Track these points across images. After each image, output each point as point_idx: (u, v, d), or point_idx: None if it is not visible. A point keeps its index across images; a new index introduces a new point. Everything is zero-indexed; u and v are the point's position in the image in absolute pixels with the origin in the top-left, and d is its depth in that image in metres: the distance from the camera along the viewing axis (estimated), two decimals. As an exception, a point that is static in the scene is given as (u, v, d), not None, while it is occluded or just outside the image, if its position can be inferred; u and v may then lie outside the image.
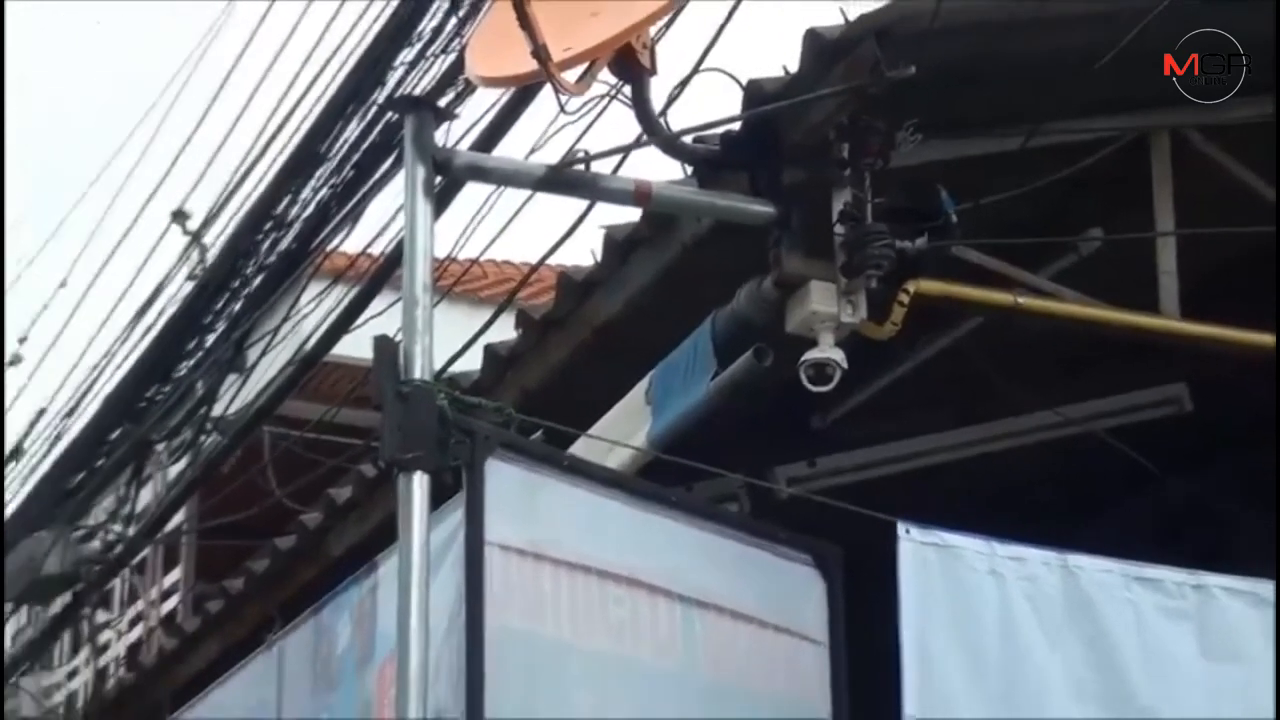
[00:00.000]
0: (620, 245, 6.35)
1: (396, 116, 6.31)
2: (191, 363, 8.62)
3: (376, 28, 6.86)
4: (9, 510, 10.45)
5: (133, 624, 12.50)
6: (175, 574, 12.04)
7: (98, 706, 11.26)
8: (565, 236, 6.66)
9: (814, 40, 5.60)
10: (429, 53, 6.60)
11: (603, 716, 5.53)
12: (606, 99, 5.66)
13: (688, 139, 5.75)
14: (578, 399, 6.29)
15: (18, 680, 11.51)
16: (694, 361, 5.95)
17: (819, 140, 5.67)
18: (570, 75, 5.42)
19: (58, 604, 10.74)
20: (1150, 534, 6.85)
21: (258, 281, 8.03)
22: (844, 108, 5.58)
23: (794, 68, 5.68)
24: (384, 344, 5.40)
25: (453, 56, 6.48)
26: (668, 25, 5.65)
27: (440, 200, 5.78)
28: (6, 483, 10.63)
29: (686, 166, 5.89)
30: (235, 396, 8.60)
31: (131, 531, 9.85)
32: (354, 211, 7.29)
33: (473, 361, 7.10)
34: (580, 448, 6.03)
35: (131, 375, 9.06)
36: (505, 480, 5.42)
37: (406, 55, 6.70)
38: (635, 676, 5.63)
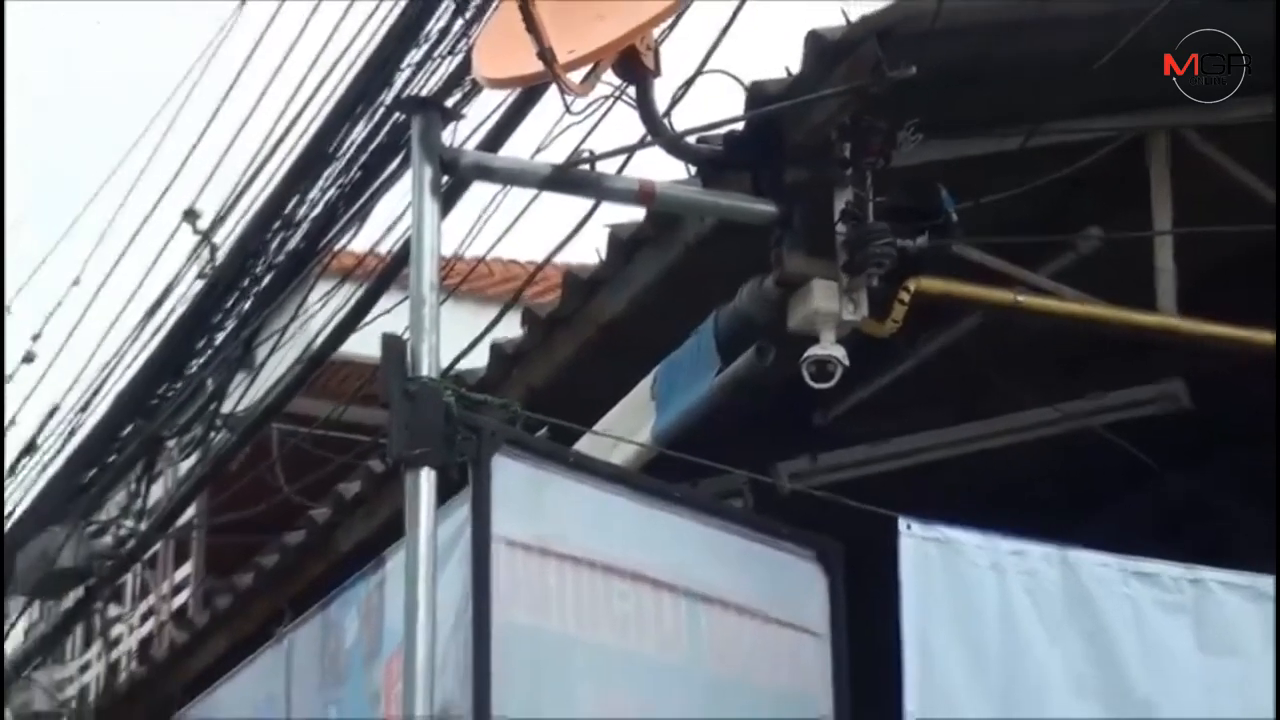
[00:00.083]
0: (625, 244, 6.34)
1: (404, 117, 6.32)
2: (201, 360, 8.62)
3: (384, 29, 6.85)
4: (23, 505, 10.44)
5: (144, 618, 12.51)
6: (186, 569, 12.04)
7: (109, 700, 11.26)
8: (570, 236, 6.67)
9: (816, 41, 5.59)
10: (436, 54, 6.60)
11: (608, 710, 5.52)
12: (611, 100, 5.65)
13: (691, 139, 5.75)
14: (583, 396, 6.28)
15: (31, 674, 11.51)
16: (697, 359, 5.95)
17: (821, 140, 5.67)
18: (575, 76, 5.42)
19: (70, 598, 10.74)
20: (1149, 530, 6.82)
21: (267, 280, 8.03)
22: (846, 108, 5.57)
23: (796, 69, 5.67)
24: (391, 342, 5.39)
25: (459, 58, 6.48)
26: (671, 27, 5.65)
27: (447, 199, 5.79)
28: (20, 477, 10.63)
29: (690, 166, 5.89)
30: (244, 394, 8.60)
31: (143, 527, 9.85)
32: (362, 211, 7.29)
33: (479, 359, 7.10)
34: (585, 444, 6.02)
35: (143, 373, 9.06)
36: (511, 476, 5.42)
37: (414, 56, 6.70)
38: (640, 670, 5.63)
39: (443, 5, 6.53)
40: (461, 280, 7.82)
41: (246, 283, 8.17)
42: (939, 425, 6.98)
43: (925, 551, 5.55)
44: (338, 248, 7.83)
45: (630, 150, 5.78)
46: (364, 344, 6.61)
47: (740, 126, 5.71)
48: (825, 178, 5.68)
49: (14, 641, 11.80)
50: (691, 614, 5.74)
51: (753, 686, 5.84)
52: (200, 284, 8.59)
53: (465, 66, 6.33)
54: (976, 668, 5.56)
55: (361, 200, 7.23)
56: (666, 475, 5.93)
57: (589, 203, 6.21)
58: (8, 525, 10.53)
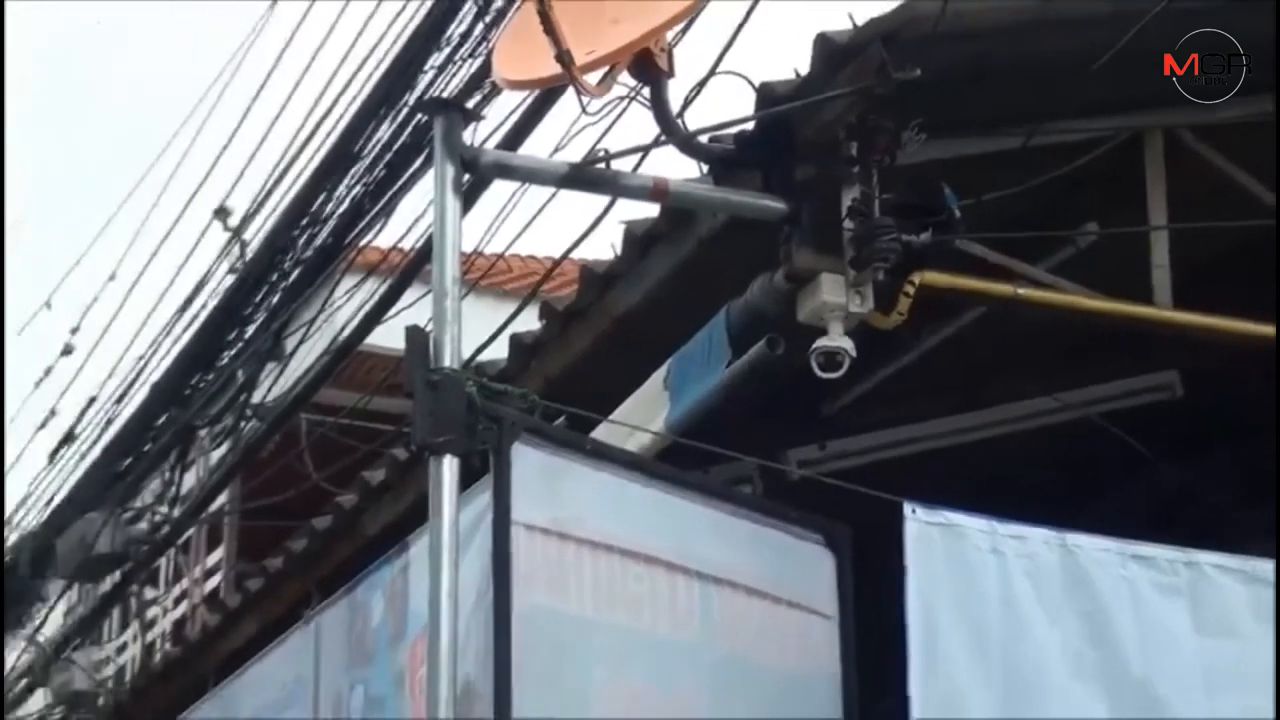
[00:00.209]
0: (639, 240, 6.33)
1: (426, 117, 6.30)
2: (232, 352, 8.62)
3: (408, 33, 6.83)
4: (63, 493, 10.45)
5: (178, 601, 12.51)
6: (218, 553, 12.04)
7: (145, 679, 11.26)
8: (587, 232, 6.64)
9: (824, 44, 5.58)
10: (457, 57, 6.58)
11: (623, 686, 5.51)
12: (626, 100, 5.64)
13: (704, 138, 5.74)
14: (599, 386, 6.27)
15: (70, 654, 11.51)
16: (710, 350, 5.94)
17: (829, 139, 5.65)
18: (592, 78, 5.40)
19: (108, 582, 10.75)
20: (1144, 516, 6.80)
21: (295, 275, 8.03)
22: (853, 108, 5.56)
23: (805, 70, 5.66)
24: (415, 334, 5.38)
25: (480, 60, 6.46)
26: (684, 30, 5.63)
27: (468, 197, 5.77)
28: (60, 465, 10.62)
29: (702, 165, 5.86)
30: (274, 384, 8.59)
31: (177, 513, 9.85)
32: (386, 208, 7.28)
33: (499, 351, 7.09)
34: (601, 432, 6.01)
35: (176, 364, 9.06)
36: (530, 463, 5.41)
37: (436, 59, 6.68)
38: (654, 649, 5.62)
39: (464, 9, 6.51)
40: (482, 275, 7.80)
41: (275, 278, 8.16)
42: (942, 414, 6.97)
43: (929, 535, 5.54)
44: (363, 244, 7.82)
45: (645, 149, 5.77)
46: (388, 336, 6.59)
47: (751, 126, 5.70)
48: (833, 175, 5.65)
49: (54, 624, 11.79)
50: (704, 595, 5.73)
51: (763, 665, 5.83)
52: (231, 279, 8.58)
53: (485, 69, 6.32)
54: (978, 647, 5.54)
55: (386, 198, 7.22)
56: (680, 462, 5.91)
57: (605, 200, 6.20)
58: (48, 513, 10.55)
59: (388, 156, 7.08)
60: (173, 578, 12.62)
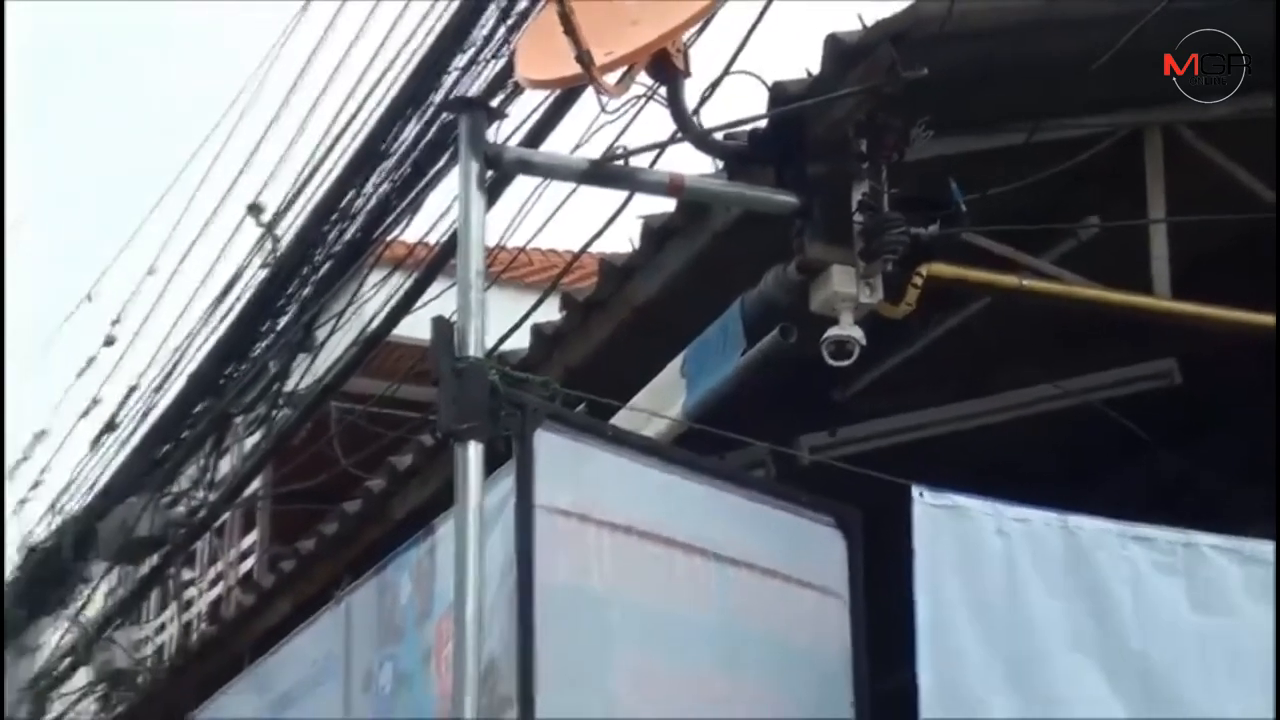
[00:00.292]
0: (656, 233, 6.32)
1: (452, 116, 6.30)
2: (265, 343, 8.63)
3: (433, 36, 6.83)
4: (105, 478, 10.46)
5: (214, 582, 12.53)
6: (252, 536, 12.05)
7: (183, 658, 11.28)
8: (606, 225, 6.64)
9: (834, 44, 5.57)
10: (481, 58, 6.58)
11: (642, 663, 5.51)
12: (644, 99, 5.63)
13: (719, 135, 5.73)
14: (618, 374, 6.27)
15: (111, 634, 11.54)
16: (725, 339, 5.93)
17: (839, 136, 5.63)
18: (611, 78, 5.39)
19: (147, 564, 10.77)
20: (1144, 501, 6.80)
21: (325, 269, 8.03)
22: (862, 106, 5.55)
23: (816, 70, 5.65)
24: (441, 325, 5.38)
25: (503, 61, 6.46)
26: (699, 31, 5.62)
27: (491, 193, 5.76)
28: (102, 451, 10.64)
29: (717, 161, 5.86)
30: (305, 374, 8.60)
31: (213, 498, 9.86)
32: (413, 204, 7.28)
33: (521, 341, 7.09)
34: (620, 419, 6.01)
35: (212, 355, 9.07)
36: (552, 449, 5.40)
37: (460, 60, 6.68)
38: (672, 628, 5.62)
39: (488, 12, 6.51)
40: (504, 268, 7.79)
41: (306, 271, 8.17)
42: (949, 401, 6.96)
43: (936, 518, 5.54)
44: (391, 238, 7.82)
45: (661, 146, 5.75)
46: (415, 327, 6.60)
47: (764, 124, 5.69)
48: (843, 171, 5.64)
49: (96, 605, 11.81)
50: (720, 576, 5.73)
51: (777, 643, 5.82)
52: (264, 273, 8.59)
53: (508, 69, 6.32)
54: (984, 624, 5.54)
55: (413, 194, 7.22)
56: (696, 447, 5.91)
57: (623, 195, 6.20)
58: (90, 498, 10.57)
59: (414, 154, 7.09)
60: (209, 560, 12.64)
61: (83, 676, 11.84)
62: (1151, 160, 6.23)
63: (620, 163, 5.66)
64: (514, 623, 5.27)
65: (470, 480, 5.25)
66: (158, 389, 9.86)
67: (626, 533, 5.55)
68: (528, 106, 6.27)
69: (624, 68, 5.42)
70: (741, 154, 5.76)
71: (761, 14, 5.64)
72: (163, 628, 12.99)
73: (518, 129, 6.21)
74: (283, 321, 8.42)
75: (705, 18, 5.52)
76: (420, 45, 6.96)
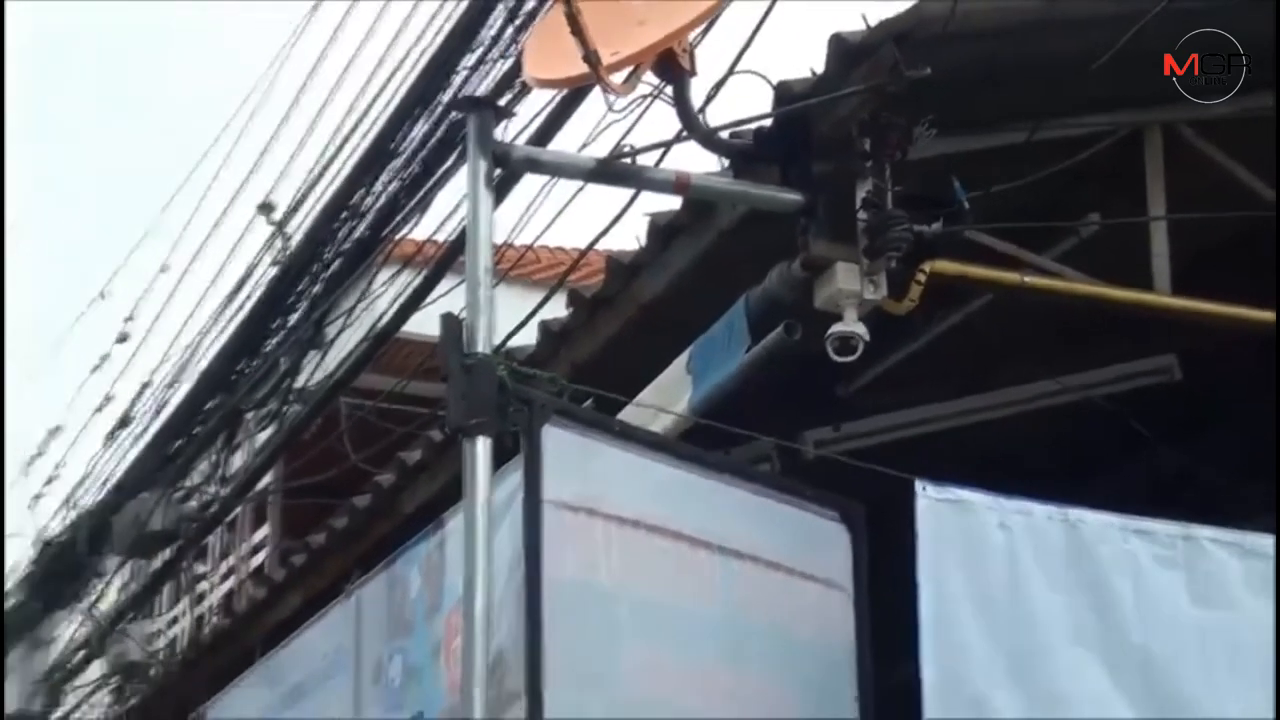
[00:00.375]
0: (662, 231, 6.31)
1: (460, 115, 6.28)
2: (276, 340, 8.61)
3: (442, 36, 6.81)
4: (118, 473, 10.45)
5: (226, 576, 12.52)
6: (264, 531, 12.04)
7: (196, 650, 11.27)
8: (612, 223, 6.63)
9: (838, 44, 5.55)
10: (489, 58, 6.56)
11: (648, 656, 5.49)
12: (650, 98, 5.60)
13: (724, 134, 5.70)
14: (624, 370, 6.25)
15: (125, 627, 11.53)
16: (730, 336, 5.91)
17: (843, 135, 5.61)
18: (617, 77, 5.37)
19: (160, 558, 10.76)
20: (1145, 495, 6.78)
21: (335, 267, 8.02)
22: (866, 105, 5.53)
23: (820, 69, 5.63)
24: (450, 321, 5.36)
25: (510, 61, 6.44)
26: (705, 31, 5.60)
27: (499, 191, 5.74)
28: (117, 447, 10.63)
29: (723, 159, 5.84)
30: (315, 370, 8.58)
31: (225, 492, 9.85)
32: (422, 202, 7.27)
33: (529, 337, 7.07)
34: (627, 414, 5.99)
35: (224, 352, 9.06)
36: (560, 444, 5.38)
37: (469, 60, 6.66)
38: (678, 621, 5.60)
39: (495, 13, 6.49)
40: (512, 266, 7.78)
41: (316, 269, 8.15)
42: (952, 397, 6.94)
43: (939, 511, 5.51)
44: (400, 236, 7.81)
45: (668, 144, 5.74)
46: (424, 324, 6.57)
47: (769, 123, 5.67)
48: (847, 169, 5.62)
49: (109, 598, 11.80)
50: (725, 569, 5.71)
51: (781, 635, 5.80)
52: (274, 270, 8.57)
53: (516, 69, 6.30)
54: (986, 617, 5.52)
55: (422, 192, 7.21)
56: (701, 443, 5.89)
57: (629, 193, 6.17)
58: (104, 493, 10.55)
59: (423, 153, 7.08)
60: (221, 554, 12.63)
61: (97, 669, 11.83)
62: (1152, 159, 6.21)
63: (627, 161, 5.64)
64: (522, 616, 5.25)
65: (479, 475, 5.22)
66: (170, 385, 9.86)
67: (633, 527, 5.53)
68: (535, 106, 6.26)
69: (630, 67, 5.40)
70: (747, 152, 5.74)
71: (766, 14, 5.63)
72: (175, 621, 12.98)
73: (525, 128, 6.21)
74: (293, 318, 8.41)
75: (710, 18, 5.50)
76: (429, 45, 6.94)
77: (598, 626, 5.42)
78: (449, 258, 7.14)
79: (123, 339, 11.35)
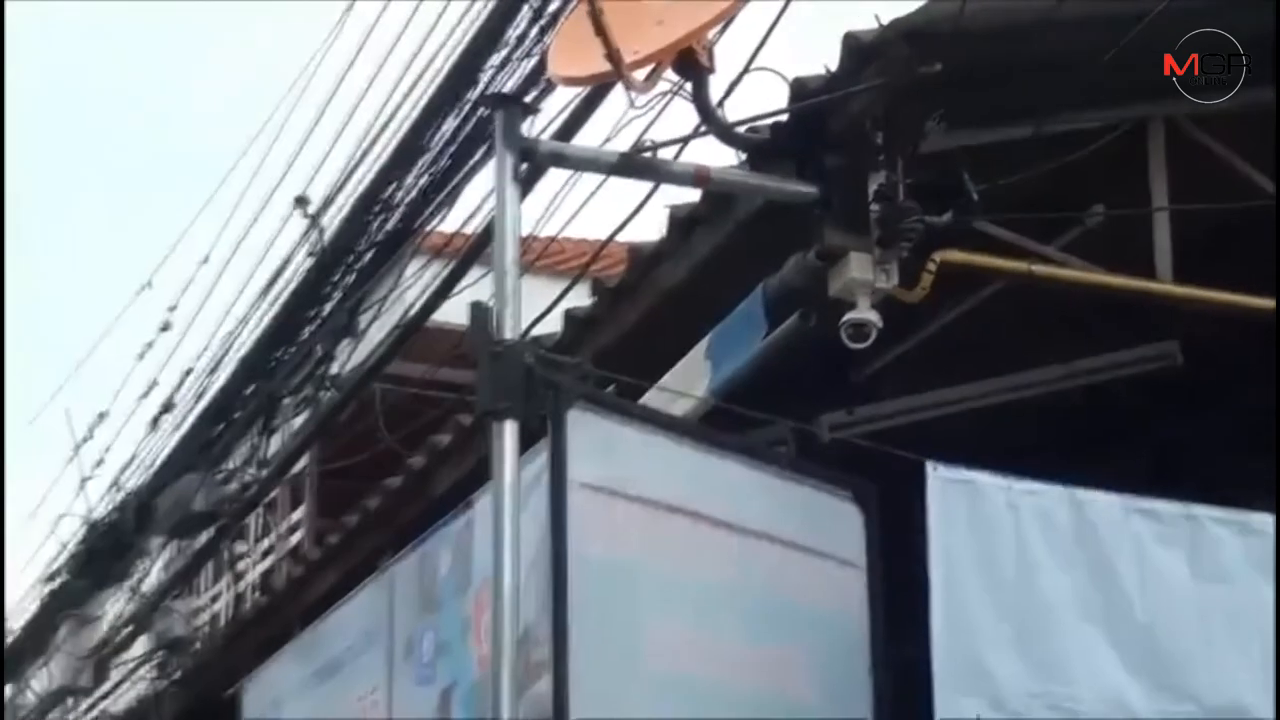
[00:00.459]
0: (683, 222, 6.31)
1: (488, 112, 6.27)
2: (312, 329, 8.62)
3: (470, 35, 6.80)
4: (162, 456, 10.46)
5: (265, 555, 12.55)
6: (300, 511, 12.07)
7: (236, 626, 11.31)
8: (634, 215, 6.61)
9: (851, 42, 5.55)
10: (515, 56, 6.55)
11: (669, 630, 5.50)
12: (670, 95, 5.60)
13: (742, 129, 5.70)
14: (646, 356, 6.25)
15: (170, 603, 11.56)
16: (748, 323, 5.92)
17: (857, 130, 5.61)
18: (639, 75, 5.37)
19: (202, 537, 10.78)
20: (1148, 476, 6.77)
21: (368, 258, 8.02)
22: (878, 101, 5.53)
23: (834, 66, 5.62)
24: (478, 310, 5.36)
25: (536, 60, 6.43)
26: (723, 29, 5.59)
27: (525, 185, 5.74)
28: (161, 432, 10.64)
29: (740, 153, 5.83)
30: (349, 357, 8.59)
31: (263, 475, 9.86)
32: (451, 195, 7.26)
33: (554, 325, 7.07)
34: (649, 399, 5.99)
35: (262, 340, 9.06)
36: (584, 427, 5.39)
37: (495, 59, 6.65)
38: (698, 597, 5.60)
39: (521, 13, 6.48)
40: (538, 256, 7.77)
41: (350, 260, 8.15)
42: (961, 381, 6.91)
43: (950, 492, 5.52)
44: (430, 228, 7.80)
45: (687, 139, 5.73)
46: (453, 313, 6.58)
47: (785, 118, 5.67)
48: (861, 163, 5.62)
49: (153, 576, 11.83)
50: (743, 547, 5.71)
51: (798, 610, 5.81)
52: (310, 262, 8.58)
53: (541, 67, 6.28)
54: (995, 594, 5.53)
55: (451, 186, 7.20)
56: (720, 426, 5.89)
57: (650, 186, 6.17)
58: (148, 475, 10.57)
59: (452, 148, 7.07)
60: (260, 534, 12.67)
61: (142, 644, 11.87)
62: (1154, 152, 6.19)
63: (648, 155, 5.63)
64: (548, 593, 5.25)
65: (506, 457, 5.23)
66: (211, 372, 9.86)
67: (655, 507, 5.54)
68: (560, 102, 6.25)
69: (651, 65, 5.40)
70: (764, 147, 5.73)
71: (780, 13, 5.61)
72: (217, 598, 13.02)
73: (550, 124, 6.20)
74: (328, 308, 8.41)
75: (728, 17, 5.50)
76: (457, 45, 6.93)
77: (621, 602, 5.42)
78: (477, 249, 7.13)
79: (166, 328, 11.36)
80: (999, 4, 5.63)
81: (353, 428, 9.33)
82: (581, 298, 7.11)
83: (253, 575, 12.55)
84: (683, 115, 5.62)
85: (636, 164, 5.64)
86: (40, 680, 12.53)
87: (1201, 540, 5.72)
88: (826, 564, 5.92)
